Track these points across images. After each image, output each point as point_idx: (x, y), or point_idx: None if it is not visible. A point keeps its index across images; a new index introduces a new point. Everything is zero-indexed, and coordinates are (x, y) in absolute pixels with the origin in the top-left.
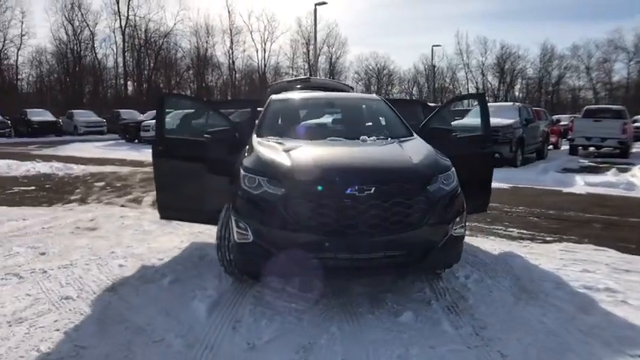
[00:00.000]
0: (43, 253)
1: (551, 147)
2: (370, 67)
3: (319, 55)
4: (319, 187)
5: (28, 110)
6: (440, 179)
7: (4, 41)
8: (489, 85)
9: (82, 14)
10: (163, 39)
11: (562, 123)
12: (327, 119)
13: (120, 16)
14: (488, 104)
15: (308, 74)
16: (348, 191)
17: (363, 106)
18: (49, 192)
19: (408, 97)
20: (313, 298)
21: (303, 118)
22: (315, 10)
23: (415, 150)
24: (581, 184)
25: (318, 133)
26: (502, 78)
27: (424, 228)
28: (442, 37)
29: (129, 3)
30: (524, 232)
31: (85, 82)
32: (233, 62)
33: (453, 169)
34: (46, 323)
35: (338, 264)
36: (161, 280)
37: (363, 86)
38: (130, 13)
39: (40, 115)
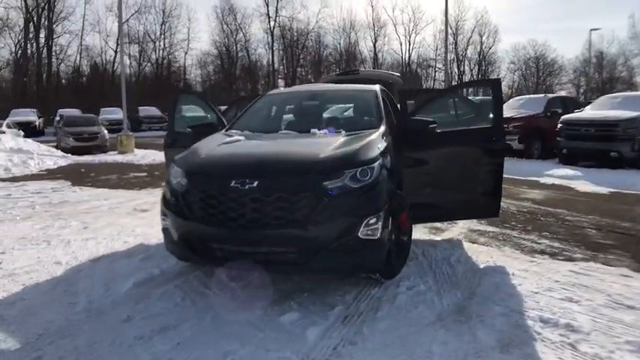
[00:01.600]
0: (85, 228)
1: None
2: (527, 56)
3: (468, 45)
4: (209, 180)
5: (183, 107)
6: (348, 175)
7: (171, 46)
8: None
9: (235, 18)
10: (306, 36)
11: None
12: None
13: (269, 18)
14: (619, 94)
15: (456, 65)
16: (232, 184)
17: (346, 98)
18: (153, 178)
19: (572, 89)
20: (234, 287)
21: (283, 111)
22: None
23: (345, 144)
24: None
25: (275, 127)
26: None
27: (310, 226)
28: (612, 20)
29: (277, 5)
30: (556, 245)
31: (243, 81)
32: (377, 56)
33: (375, 165)
34: (23, 280)
35: (227, 255)
36: (136, 257)
37: (521, 77)
38: (277, 15)
39: (192, 110)
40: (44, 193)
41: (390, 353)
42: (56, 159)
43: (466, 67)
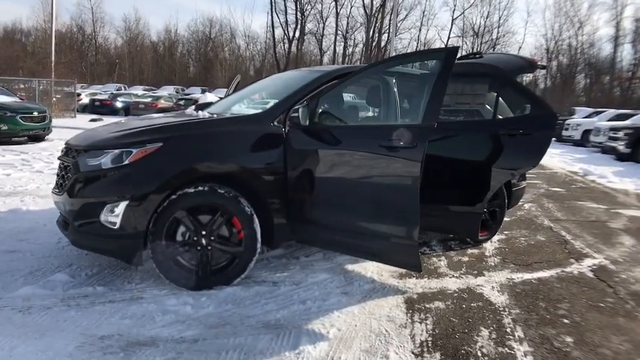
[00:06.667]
0: None
1: None
2: None
3: None
4: None
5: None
6: (108, 155)
7: (497, 40)
8: None
9: (575, 11)
10: None
11: None
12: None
13: (617, 9)
14: None
15: None
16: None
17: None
18: None
19: None
20: None
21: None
22: None
23: (153, 124)
24: None
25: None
26: None
27: (70, 197)
28: None
29: None
30: None
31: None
32: None
33: (134, 149)
34: None
35: None
36: None
37: None
38: (622, 4)
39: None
40: None
41: None
42: None
43: None
